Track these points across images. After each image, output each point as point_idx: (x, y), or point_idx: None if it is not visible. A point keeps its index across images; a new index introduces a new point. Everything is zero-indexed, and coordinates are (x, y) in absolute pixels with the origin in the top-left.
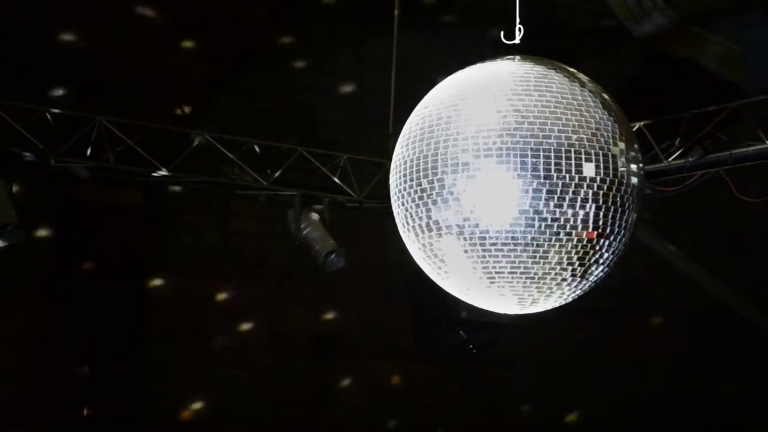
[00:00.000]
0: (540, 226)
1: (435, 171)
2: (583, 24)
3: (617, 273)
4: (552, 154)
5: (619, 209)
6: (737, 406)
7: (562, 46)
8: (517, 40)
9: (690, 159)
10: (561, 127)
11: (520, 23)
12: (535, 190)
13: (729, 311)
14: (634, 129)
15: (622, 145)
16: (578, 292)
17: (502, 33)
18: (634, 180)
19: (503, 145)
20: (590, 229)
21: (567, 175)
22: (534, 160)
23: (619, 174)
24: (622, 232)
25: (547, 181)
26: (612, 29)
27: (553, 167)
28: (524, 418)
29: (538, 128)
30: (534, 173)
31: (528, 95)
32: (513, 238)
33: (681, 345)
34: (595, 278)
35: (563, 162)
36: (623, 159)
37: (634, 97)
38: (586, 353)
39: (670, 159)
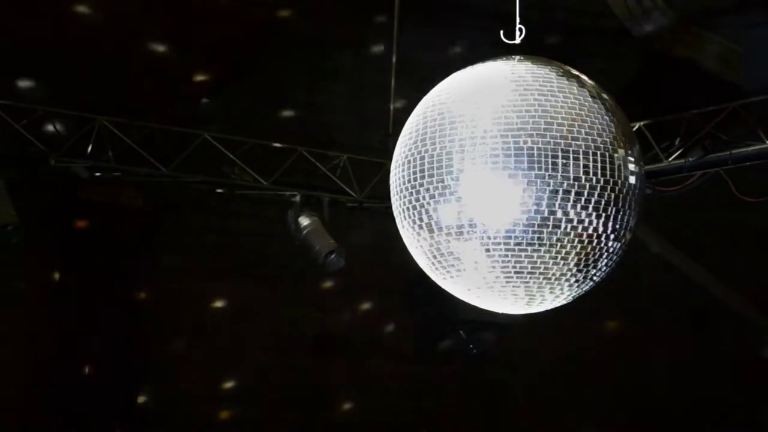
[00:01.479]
0: (565, 228)
1: (461, 169)
2: (583, 24)
3: (617, 273)
4: (581, 156)
5: (622, 210)
6: (737, 406)
7: (562, 46)
8: (518, 40)
9: (690, 159)
10: (588, 130)
11: (520, 23)
12: (565, 191)
13: (729, 311)
14: (634, 129)
15: (623, 146)
16: (581, 291)
17: (501, 32)
18: (635, 181)
19: (534, 144)
20: (587, 230)
21: (594, 178)
22: (564, 161)
23: (621, 175)
24: (625, 232)
25: (576, 183)
26: (612, 29)
27: (581, 169)
28: (524, 418)
29: (567, 130)
30: (564, 174)
31: (554, 96)
32: (539, 238)
33: (681, 345)
34: (598, 278)
35: (591, 165)
36: (625, 160)
37: (634, 97)
38: (585, 353)
39: (670, 159)
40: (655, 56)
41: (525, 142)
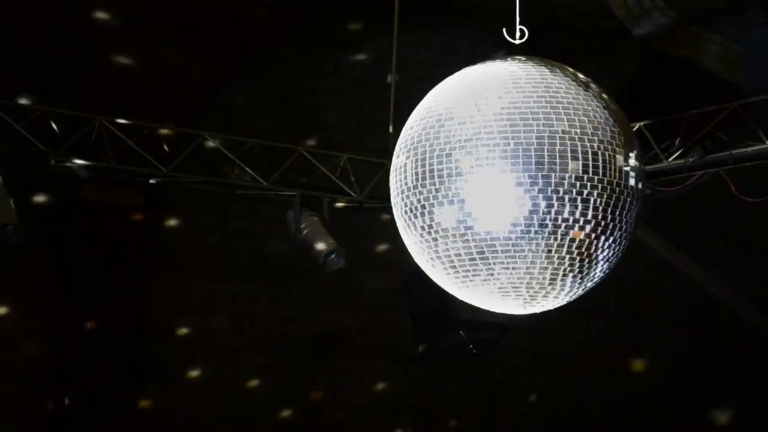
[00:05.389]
0: (566, 228)
1: (462, 169)
2: (583, 24)
3: (617, 273)
4: (581, 157)
5: (622, 210)
6: (737, 406)
7: (562, 46)
8: (520, 41)
9: (690, 159)
10: (588, 130)
11: (520, 23)
12: (565, 192)
13: (729, 311)
14: (634, 129)
15: (623, 146)
16: (579, 291)
17: (504, 30)
18: (635, 180)
19: (534, 145)
20: (588, 230)
21: (594, 178)
22: (564, 162)
23: (621, 175)
24: (623, 232)
25: (577, 183)
26: (612, 29)
27: (581, 170)
28: (524, 418)
29: (567, 130)
30: (564, 175)
31: (554, 96)
32: (539, 238)
33: (681, 345)
34: (596, 278)
35: (591, 165)
36: (625, 160)
37: (634, 97)
38: (586, 353)
39: (670, 159)
40: (655, 56)
41: (525, 143)
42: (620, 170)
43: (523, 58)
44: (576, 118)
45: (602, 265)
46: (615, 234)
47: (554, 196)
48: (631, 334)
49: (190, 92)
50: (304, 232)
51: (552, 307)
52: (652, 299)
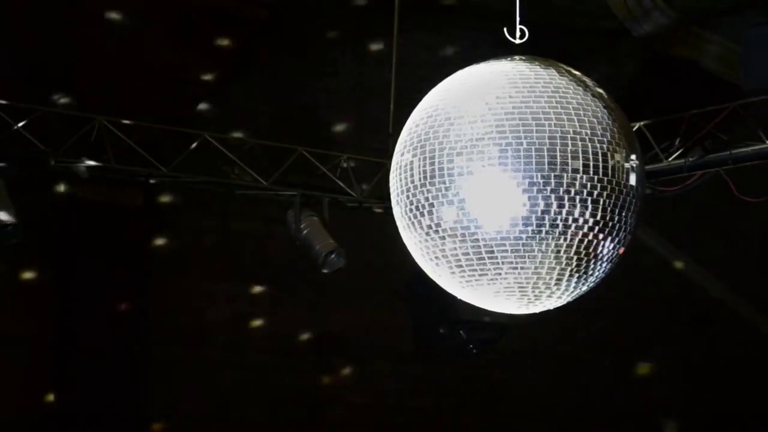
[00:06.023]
0: (566, 228)
1: (463, 170)
2: (583, 24)
3: (617, 273)
4: (581, 157)
5: (622, 210)
6: (737, 406)
7: (562, 46)
8: (519, 40)
9: (690, 159)
10: (588, 130)
11: (520, 23)
12: (565, 192)
13: (729, 311)
14: (634, 129)
15: (624, 146)
16: (580, 291)
17: (505, 30)
18: (635, 180)
19: (534, 145)
20: (596, 231)
21: (595, 178)
22: (565, 162)
23: (621, 175)
24: (625, 232)
25: (577, 183)
26: (612, 29)
27: (582, 170)
28: (524, 418)
29: (567, 130)
30: (564, 175)
31: (554, 96)
32: (540, 238)
33: (681, 345)
34: (597, 278)
35: (591, 165)
36: (625, 160)
37: (634, 97)
38: (586, 353)
39: (670, 159)
40: (655, 56)
41: (526, 143)
42: (620, 170)
43: (523, 58)
44: (585, 119)
45: (605, 265)
46: (619, 234)
47: (566, 197)
48: (631, 334)
49: (190, 92)
50: (304, 232)
51: (553, 307)
52: (652, 299)
